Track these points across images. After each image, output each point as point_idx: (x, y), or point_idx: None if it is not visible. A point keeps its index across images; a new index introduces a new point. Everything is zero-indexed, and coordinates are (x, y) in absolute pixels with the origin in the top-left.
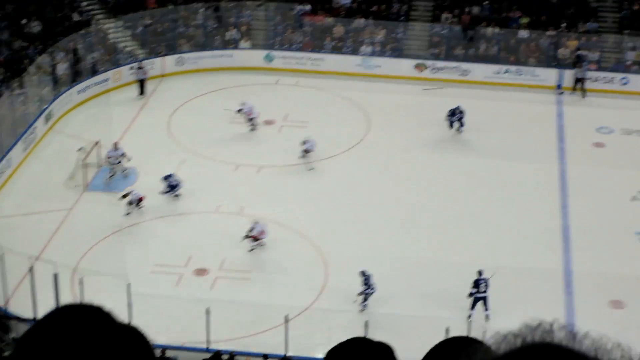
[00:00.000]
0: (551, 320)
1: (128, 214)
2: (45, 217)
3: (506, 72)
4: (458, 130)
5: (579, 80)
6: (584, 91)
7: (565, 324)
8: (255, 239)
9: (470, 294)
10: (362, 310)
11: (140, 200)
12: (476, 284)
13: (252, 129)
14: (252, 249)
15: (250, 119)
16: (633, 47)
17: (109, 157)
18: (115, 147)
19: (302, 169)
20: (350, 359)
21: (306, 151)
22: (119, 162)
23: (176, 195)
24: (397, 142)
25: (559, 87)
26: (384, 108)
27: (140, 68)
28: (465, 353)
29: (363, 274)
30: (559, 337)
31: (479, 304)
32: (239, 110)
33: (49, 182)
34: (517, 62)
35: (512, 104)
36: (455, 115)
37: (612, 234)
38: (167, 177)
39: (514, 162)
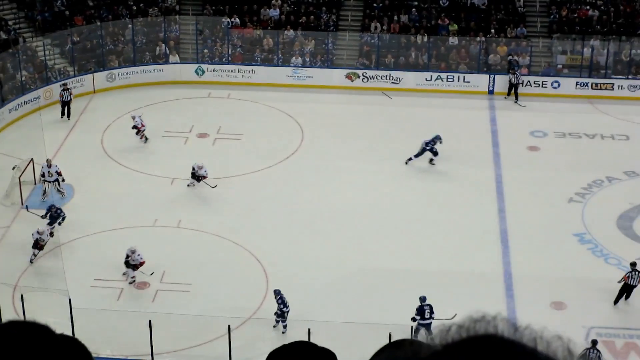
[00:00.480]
0: (494, 313)
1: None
2: None
3: (437, 79)
4: (430, 162)
5: (513, 86)
6: (516, 96)
7: (507, 317)
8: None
9: (414, 319)
10: (284, 332)
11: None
12: (420, 311)
13: (144, 141)
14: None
15: (140, 131)
16: (563, 51)
17: (42, 175)
18: (49, 164)
19: (239, 181)
20: None
21: (200, 177)
22: (55, 180)
23: (59, 224)
24: (331, 151)
25: (490, 92)
26: (316, 118)
27: (65, 90)
28: (409, 347)
29: (276, 293)
30: (502, 328)
31: (422, 330)
32: (134, 127)
33: None
34: (448, 69)
35: (445, 111)
36: (429, 145)
37: (550, 236)
38: (49, 208)
39: (450, 167)
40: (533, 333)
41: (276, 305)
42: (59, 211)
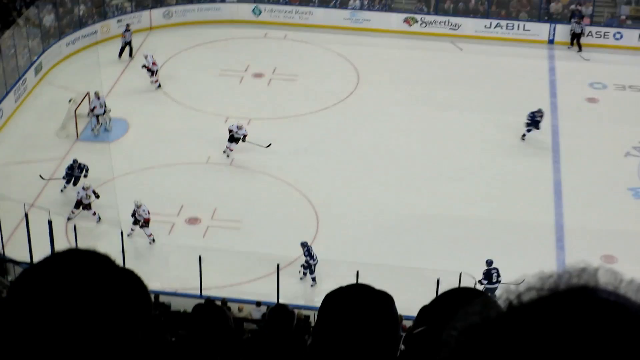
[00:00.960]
0: (596, 264)
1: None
2: (38, 166)
3: (497, 26)
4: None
5: (577, 36)
6: (579, 46)
7: (611, 269)
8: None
9: (480, 283)
10: (313, 285)
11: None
12: (487, 275)
13: (157, 86)
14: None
15: (152, 71)
16: (628, 1)
17: (93, 108)
18: (98, 96)
19: (293, 121)
20: (349, 305)
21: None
22: (105, 112)
23: (85, 176)
24: (386, 96)
25: (550, 41)
26: (372, 62)
27: (127, 30)
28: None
29: (303, 245)
30: (603, 280)
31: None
32: (143, 66)
33: (41, 132)
34: (508, 17)
35: (504, 59)
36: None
37: (604, 189)
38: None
39: (506, 116)
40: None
41: (303, 258)
42: (81, 166)
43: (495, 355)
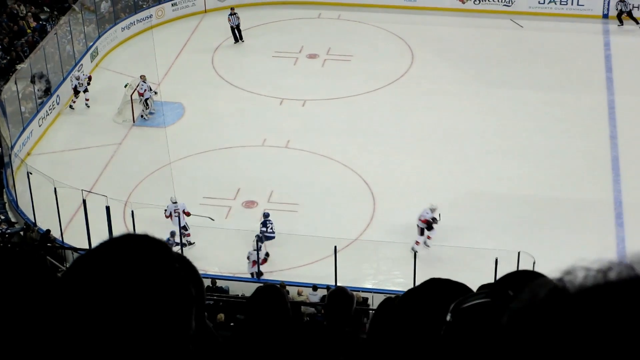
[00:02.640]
0: None
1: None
2: (96, 152)
3: (550, 2)
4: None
5: (623, 13)
6: (635, 20)
7: None
8: None
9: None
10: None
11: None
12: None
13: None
14: None
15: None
16: None
17: (142, 92)
18: (144, 80)
19: (348, 102)
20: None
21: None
22: (154, 93)
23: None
24: (441, 75)
25: (605, 16)
26: (427, 40)
27: (233, 14)
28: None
29: (265, 216)
30: None
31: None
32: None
33: (97, 118)
34: None
35: (558, 34)
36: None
37: None
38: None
39: (561, 92)
40: None
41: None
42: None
43: (545, 338)
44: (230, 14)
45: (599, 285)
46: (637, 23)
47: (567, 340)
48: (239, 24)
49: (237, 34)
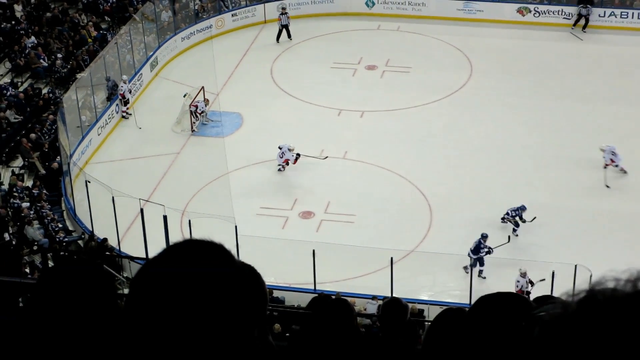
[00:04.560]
0: None
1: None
2: (154, 161)
3: (611, 15)
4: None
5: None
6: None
7: None
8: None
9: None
10: None
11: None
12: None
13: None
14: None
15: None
16: None
17: (196, 104)
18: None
19: (406, 114)
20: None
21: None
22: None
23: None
24: (499, 87)
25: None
26: (486, 53)
27: (283, 14)
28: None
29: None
30: None
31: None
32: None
33: (156, 127)
34: (622, 5)
35: (618, 48)
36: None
37: None
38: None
39: (622, 106)
40: None
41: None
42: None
43: (576, 345)
44: (281, 13)
45: (628, 294)
46: (584, 30)
47: (597, 349)
48: (288, 23)
49: (287, 33)
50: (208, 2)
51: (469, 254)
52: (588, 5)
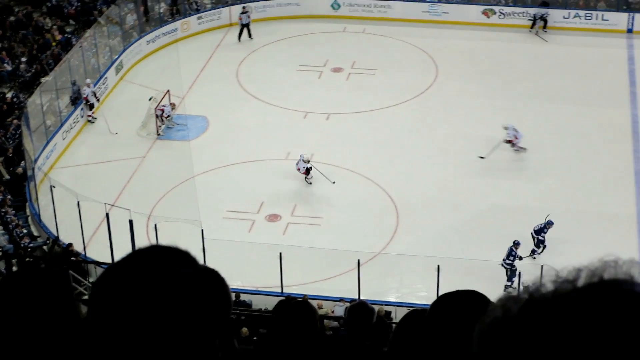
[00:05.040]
0: (627, 257)
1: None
2: (119, 165)
3: (575, 16)
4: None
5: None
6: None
7: None
8: None
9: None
10: None
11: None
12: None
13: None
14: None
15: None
16: None
17: (163, 108)
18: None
19: (372, 116)
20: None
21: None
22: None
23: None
24: (465, 88)
25: (629, 31)
26: (451, 54)
27: (244, 12)
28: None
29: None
30: (634, 273)
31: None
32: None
33: (121, 131)
34: (586, 7)
35: (582, 49)
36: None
37: None
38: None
39: (585, 106)
40: None
41: None
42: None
43: (519, 348)
44: (242, 12)
45: (566, 293)
46: (545, 30)
47: (538, 352)
48: (249, 22)
49: (248, 32)
50: (173, 6)
51: (502, 264)
52: (545, 7)
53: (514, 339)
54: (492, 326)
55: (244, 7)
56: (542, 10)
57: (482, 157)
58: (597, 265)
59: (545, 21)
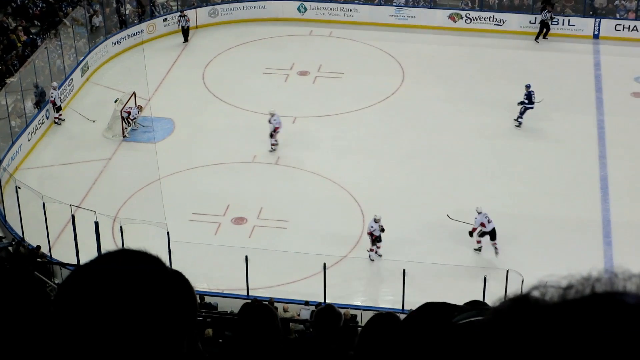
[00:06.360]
0: (620, 269)
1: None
2: (85, 167)
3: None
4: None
5: (545, 25)
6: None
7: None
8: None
9: (522, 103)
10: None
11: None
12: (528, 96)
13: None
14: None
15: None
16: None
17: (129, 110)
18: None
19: (339, 119)
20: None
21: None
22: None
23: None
24: (431, 93)
25: (595, 36)
26: (418, 59)
27: (183, 16)
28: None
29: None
30: (628, 287)
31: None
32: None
33: (87, 132)
34: (553, 12)
35: (548, 54)
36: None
37: None
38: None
39: (551, 112)
40: None
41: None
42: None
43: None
44: (180, 16)
45: (557, 304)
46: (545, 37)
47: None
48: (188, 25)
49: (185, 35)
50: (139, 7)
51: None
52: (549, 10)
53: (494, 348)
54: (482, 327)
55: (181, 11)
56: (546, 15)
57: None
58: (603, 275)
59: (548, 28)
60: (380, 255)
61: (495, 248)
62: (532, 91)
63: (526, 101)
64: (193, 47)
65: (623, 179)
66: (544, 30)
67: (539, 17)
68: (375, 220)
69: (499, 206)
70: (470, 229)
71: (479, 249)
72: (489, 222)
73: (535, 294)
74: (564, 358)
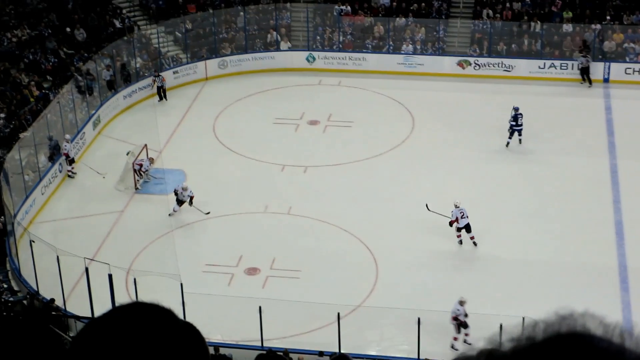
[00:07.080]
0: (584, 309)
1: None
2: (98, 220)
3: (551, 66)
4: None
5: (585, 70)
6: (589, 80)
7: (596, 314)
8: None
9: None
10: None
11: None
12: (515, 118)
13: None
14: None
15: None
16: None
17: (141, 162)
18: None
19: (349, 168)
20: None
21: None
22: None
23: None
24: (442, 140)
25: (605, 80)
26: (427, 106)
27: (157, 76)
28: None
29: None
30: (589, 326)
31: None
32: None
33: (100, 185)
34: (562, 57)
35: (559, 99)
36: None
37: None
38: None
39: (563, 157)
40: (623, 330)
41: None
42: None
43: None
44: (155, 76)
45: (525, 349)
46: (590, 84)
47: None
48: (163, 84)
49: (161, 94)
50: (149, 60)
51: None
52: (587, 55)
53: None
54: None
55: (155, 71)
56: (582, 59)
57: (427, 207)
58: (553, 319)
59: (587, 72)
60: (470, 344)
61: (473, 241)
62: (520, 114)
63: (513, 122)
64: (203, 98)
65: (638, 223)
66: (587, 74)
67: (576, 63)
68: (461, 303)
69: (512, 252)
70: (449, 221)
71: (460, 242)
72: (462, 217)
73: (507, 344)
74: None
